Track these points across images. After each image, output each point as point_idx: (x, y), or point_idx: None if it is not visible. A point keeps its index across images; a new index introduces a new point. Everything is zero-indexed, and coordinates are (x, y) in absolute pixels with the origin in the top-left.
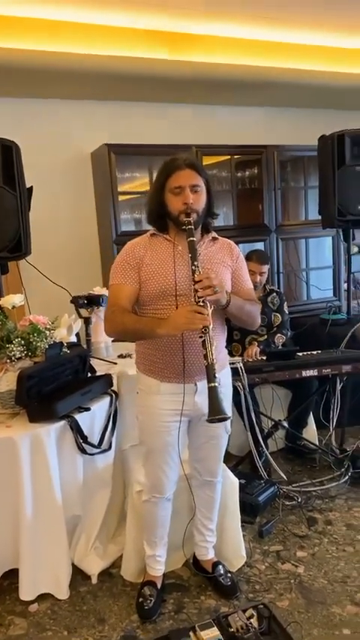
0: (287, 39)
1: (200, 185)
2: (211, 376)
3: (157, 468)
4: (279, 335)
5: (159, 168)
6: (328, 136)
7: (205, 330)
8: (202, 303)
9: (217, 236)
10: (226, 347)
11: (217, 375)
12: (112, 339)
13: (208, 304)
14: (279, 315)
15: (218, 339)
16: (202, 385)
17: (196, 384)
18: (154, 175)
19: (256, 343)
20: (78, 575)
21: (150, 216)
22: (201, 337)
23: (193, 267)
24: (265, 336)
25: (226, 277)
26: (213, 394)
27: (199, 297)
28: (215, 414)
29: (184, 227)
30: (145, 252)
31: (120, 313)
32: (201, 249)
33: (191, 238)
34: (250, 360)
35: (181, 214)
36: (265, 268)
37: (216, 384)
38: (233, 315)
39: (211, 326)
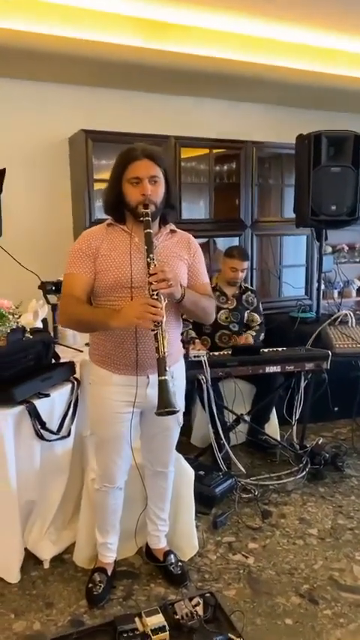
0: (276, 36)
1: (159, 176)
2: (162, 369)
3: (108, 458)
4: (262, 334)
5: (116, 158)
6: (305, 135)
7: (158, 323)
8: (155, 296)
9: (175, 229)
10: (196, 339)
11: (169, 368)
12: None
13: (162, 297)
14: (256, 315)
15: (172, 333)
16: (155, 378)
17: (148, 377)
18: None
19: (250, 334)
20: (31, 559)
21: (107, 207)
22: (153, 330)
23: (148, 260)
24: (255, 332)
25: (181, 271)
26: (163, 387)
27: (152, 290)
28: (164, 407)
29: (141, 218)
30: (102, 242)
31: (74, 304)
32: (158, 241)
33: (148, 230)
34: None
35: (138, 205)
36: (247, 265)
37: (166, 378)
38: (188, 310)
39: (164, 320)
